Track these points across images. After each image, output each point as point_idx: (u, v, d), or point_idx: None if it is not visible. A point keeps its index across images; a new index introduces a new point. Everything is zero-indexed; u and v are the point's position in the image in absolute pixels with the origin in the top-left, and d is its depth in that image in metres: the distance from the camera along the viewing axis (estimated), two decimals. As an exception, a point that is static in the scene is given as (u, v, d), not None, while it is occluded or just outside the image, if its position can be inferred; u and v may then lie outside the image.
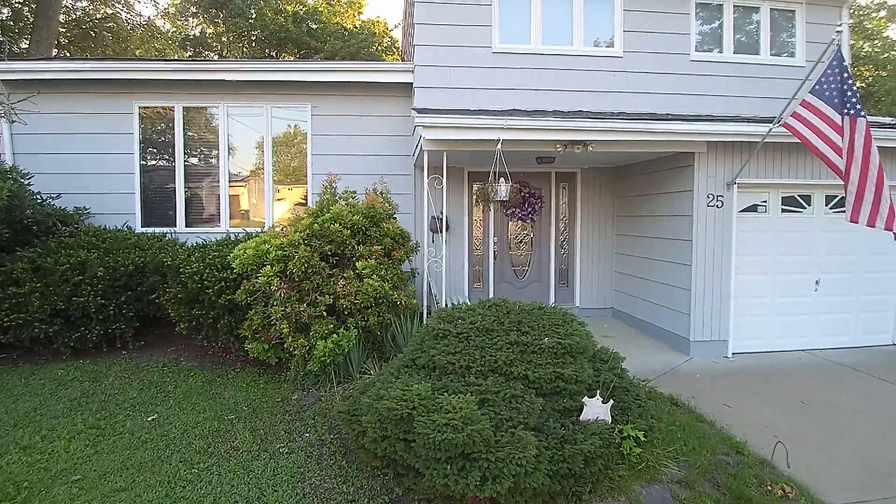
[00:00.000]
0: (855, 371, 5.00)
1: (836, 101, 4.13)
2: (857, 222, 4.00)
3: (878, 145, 5.17)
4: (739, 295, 5.41)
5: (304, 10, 18.69)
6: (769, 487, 2.94)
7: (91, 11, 13.60)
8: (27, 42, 11.14)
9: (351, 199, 4.74)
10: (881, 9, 14.08)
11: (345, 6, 20.22)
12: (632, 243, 6.54)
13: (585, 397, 3.06)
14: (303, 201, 6.59)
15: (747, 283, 5.45)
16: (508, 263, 7.02)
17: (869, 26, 14.31)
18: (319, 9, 19.11)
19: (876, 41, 14.15)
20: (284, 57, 19.34)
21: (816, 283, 5.63)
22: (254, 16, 17.78)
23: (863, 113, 3.91)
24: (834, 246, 5.60)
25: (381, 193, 4.81)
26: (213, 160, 6.45)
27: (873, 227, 3.95)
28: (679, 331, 5.47)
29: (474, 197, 6.84)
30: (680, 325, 5.45)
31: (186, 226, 6.39)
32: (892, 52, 15.11)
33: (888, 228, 3.88)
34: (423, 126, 4.50)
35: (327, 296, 3.98)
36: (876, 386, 4.62)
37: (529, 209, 6.82)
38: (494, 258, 6.93)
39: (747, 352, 5.46)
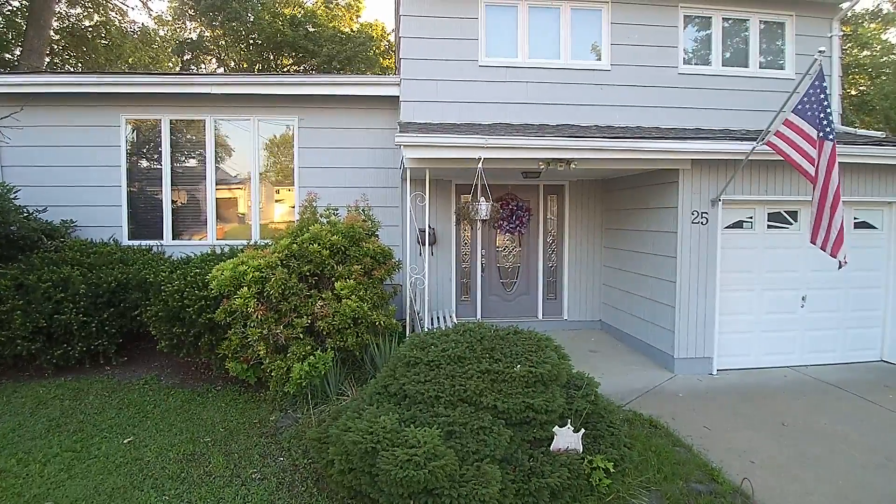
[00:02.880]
0: (839, 390, 4.97)
1: (815, 121, 4.14)
2: (815, 244, 4.05)
3: (876, 162, 5.22)
4: (724, 311, 5.39)
5: (301, 13, 18.68)
6: (740, 519, 2.93)
7: (83, 18, 13.60)
8: (20, 50, 11.18)
9: (332, 217, 4.73)
10: (876, 17, 13.99)
11: (342, 9, 20.20)
12: (619, 257, 6.53)
13: (556, 427, 3.05)
14: (291, 209, 6.60)
15: (733, 299, 5.43)
16: (496, 276, 7.01)
17: (869, 29, 14.21)
18: (317, 12, 19.10)
19: (874, 45, 14.06)
20: (281, 61, 19.35)
21: (803, 299, 5.60)
22: (251, 19, 17.78)
23: (831, 137, 3.94)
24: (820, 262, 5.53)
25: (363, 210, 4.81)
26: (200, 173, 6.45)
27: (824, 250, 4.00)
28: (664, 347, 5.45)
29: (454, 210, 6.78)
30: (665, 342, 5.43)
31: (173, 239, 6.40)
32: (891, 56, 15.02)
33: (833, 255, 3.93)
34: (405, 145, 4.49)
35: (305, 317, 3.98)
36: (859, 407, 4.59)
37: (517, 222, 6.80)
38: (482, 271, 6.92)
39: (732, 368, 5.44)
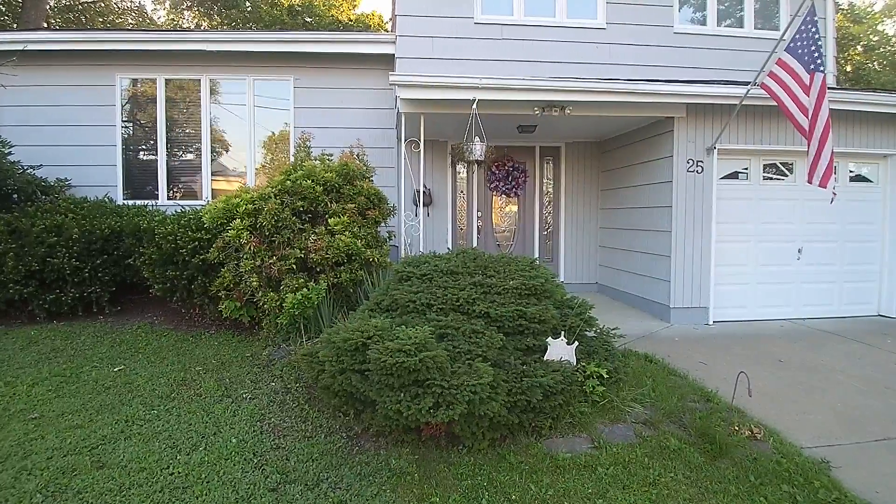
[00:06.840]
0: (837, 336, 4.96)
1: (806, 58, 4.14)
2: (811, 183, 4.03)
3: (870, 110, 5.20)
4: (720, 262, 5.37)
5: (299, 3, 18.73)
6: (737, 428, 2.90)
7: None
8: (16, 26, 11.18)
9: (327, 161, 4.71)
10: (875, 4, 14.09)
11: (339, -1, 20.22)
12: (615, 216, 6.51)
13: (550, 338, 3.02)
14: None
15: (728, 250, 5.42)
16: (492, 239, 6.99)
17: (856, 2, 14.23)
18: (315, 2, 19.15)
19: (865, 24, 14.08)
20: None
21: (799, 251, 5.59)
22: (249, 8, 17.83)
23: (822, 69, 3.94)
24: (816, 214, 5.56)
25: (358, 155, 4.79)
26: (195, 132, 6.43)
27: (810, 182, 4.01)
28: (659, 298, 5.42)
29: (450, 157, 6.68)
30: (660, 293, 5.41)
31: (168, 199, 6.37)
32: (888, 47, 15.09)
33: (822, 186, 3.92)
34: (399, 84, 4.48)
35: (298, 250, 3.95)
36: (857, 349, 4.57)
37: (513, 183, 6.79)
38: (478, 233, 6.89)
39: (728, 320, 5.41)
